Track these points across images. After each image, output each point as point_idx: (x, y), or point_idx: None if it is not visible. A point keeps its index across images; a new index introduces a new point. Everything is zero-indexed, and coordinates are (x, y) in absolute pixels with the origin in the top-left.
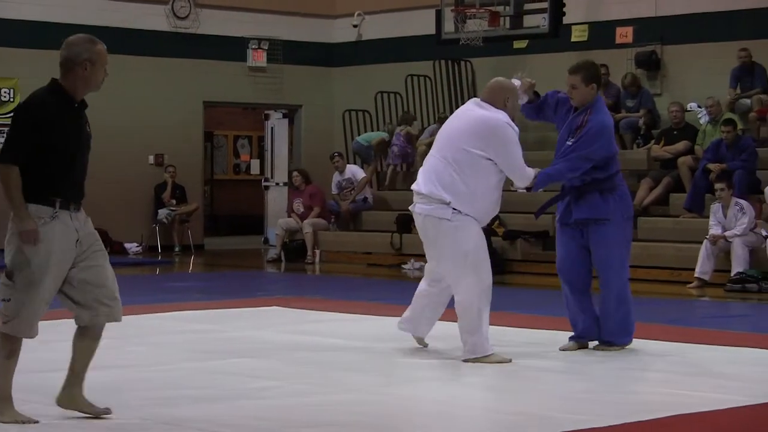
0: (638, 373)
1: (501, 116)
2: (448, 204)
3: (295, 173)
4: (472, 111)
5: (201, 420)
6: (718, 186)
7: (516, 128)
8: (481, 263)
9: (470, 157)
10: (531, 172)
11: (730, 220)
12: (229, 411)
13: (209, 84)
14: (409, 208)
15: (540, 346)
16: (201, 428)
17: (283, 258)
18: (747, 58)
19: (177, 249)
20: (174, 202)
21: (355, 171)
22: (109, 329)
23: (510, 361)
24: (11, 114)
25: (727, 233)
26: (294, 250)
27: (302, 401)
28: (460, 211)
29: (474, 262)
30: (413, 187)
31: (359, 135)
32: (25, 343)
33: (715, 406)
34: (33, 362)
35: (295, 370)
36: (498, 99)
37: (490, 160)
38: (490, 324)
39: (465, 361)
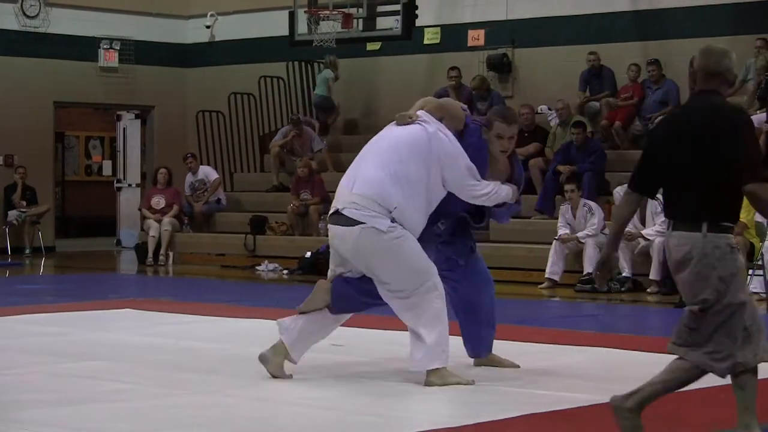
0: (489, 373)
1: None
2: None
3: (163, 170)
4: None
5: (53, 424)
6: (567, 187)
7: None
8: None
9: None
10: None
11: (579, 221)
12: (82, 414)
13: (60, 84)
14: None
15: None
16: None
17: (152, 261)
18: (596, 61)
19: (27, 251)
20: (24, 203)
21: (208, 172)
22: None
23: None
24: None
25: (578, 234)
26: (144, 251)
27: (155, 404)
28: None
29: None
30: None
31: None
32: None
33: (566, 405)
34: None
35: (148, 373)
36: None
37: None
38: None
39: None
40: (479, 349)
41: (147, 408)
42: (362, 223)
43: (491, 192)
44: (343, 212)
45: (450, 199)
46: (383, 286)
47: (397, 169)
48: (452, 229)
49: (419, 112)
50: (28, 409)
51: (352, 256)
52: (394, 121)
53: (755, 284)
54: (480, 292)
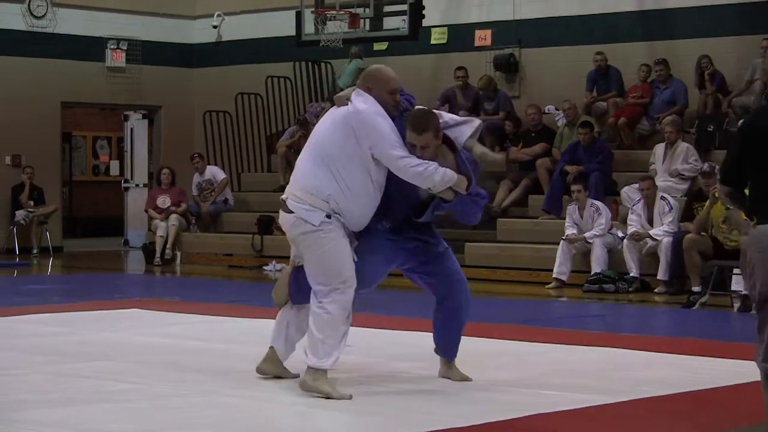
0: (495, 373)
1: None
2: None
3: (165, 170)
4: None
5: (58, 424)
6: (574, 188)
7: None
8: None
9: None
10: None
11: (586, 221)
12: (87, 414)
13: (67, 84)
14: None
15: (403, 347)
16: None
17: (160, 260)
18: (603, 61)
19: (35, 251)
20: (32, 203)
21: (215, 172)
22: None
23: (350, 397)
24: None
25: (586, 234)
26: (152, 252)
27: (161, 404)
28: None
29: None
30: None
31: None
32: None
33: (572, 405)
34: None
35: (154, 373)
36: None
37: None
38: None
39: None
40: (451, 352)
41: (152, 408)
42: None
43: (425, 169)
44: (286, 202)
45: (391, 197)
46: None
47: (327, 153)
48: (399, 226)
49: (351, 90)
50: (33, 409)
51: (292, 243)
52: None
53: None
54: (454, 293)
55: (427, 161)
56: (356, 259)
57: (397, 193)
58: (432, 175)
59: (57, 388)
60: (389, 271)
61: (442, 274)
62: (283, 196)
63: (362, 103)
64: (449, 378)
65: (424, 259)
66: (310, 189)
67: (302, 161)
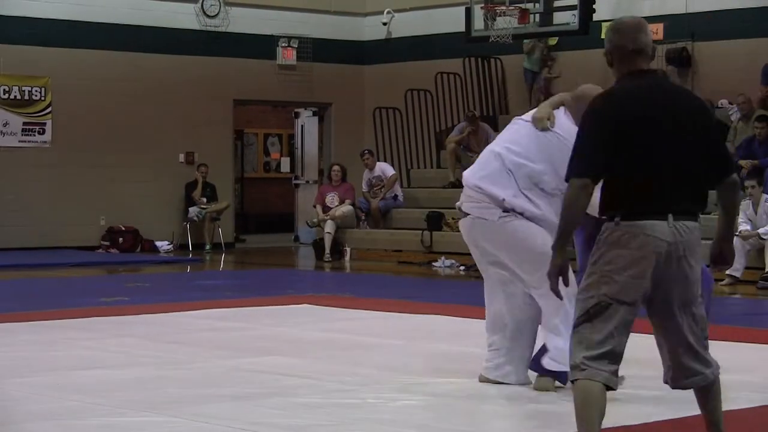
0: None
1: None
2: None
3: (336, 167)
4: None
5: (232, 418)
6: (748, 183)
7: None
8: None
9: None
10: None
11: (760, 217)
12: (258, 409)
13: (239, 82)
14: None
15: None
16: (233, 426)
17: (329, 257)
18: None
19: (208, 247)
20: (204, 200)
21: (384, 168)
22: (137, 327)
23: None
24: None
25: (760, 230)
26: (322, 248)
27: (332, 399)
28: None
29: None
30: None
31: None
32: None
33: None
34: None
35: (325, 368)
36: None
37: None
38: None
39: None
40: None
41: (326, 404)
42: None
43: None
44: (461, 207)
45: None
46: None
47: (517, 162)
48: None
49: (556, 112)
50: (209, 403)
51: (480, 245)
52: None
53: None
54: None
55: None
56: None
57: None
58: None
59: (231, 382)
60: None
61: None
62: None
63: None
64: None
65: None
66: (488, 190)
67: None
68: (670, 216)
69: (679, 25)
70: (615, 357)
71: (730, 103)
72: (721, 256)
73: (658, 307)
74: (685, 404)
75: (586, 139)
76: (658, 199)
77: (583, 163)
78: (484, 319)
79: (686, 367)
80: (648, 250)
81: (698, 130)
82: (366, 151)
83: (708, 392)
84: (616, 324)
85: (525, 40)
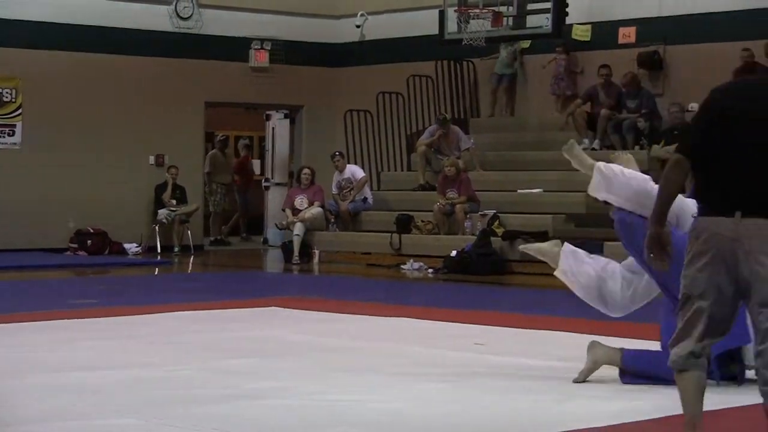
0: None
1: None
2: None
3: (305, 170)
4: None
5: (200, 420)
6: None
7: None
8: None
9: None
10: None
11: None
12: (230, 412)
13: (211, 84)
14: None
15: (539, 346)
16: (201, 429)
17: (298, 259)
18: (749, 58)
19: (176, 249)
20: (174, 202)
21: (354, 171)
22: (107, 330)
23: None
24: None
25: None
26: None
27: (301, 402)
28: None
29: None
30: None
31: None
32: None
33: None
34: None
35: (294, 371)
36: None
37: None
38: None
39: None
40: None
41: (294, 406)
42: None
43: None
44: None
45: None
46: None
47: None
48: None
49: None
50: (177, 405)
51: None
52: None
53: None
54: None
55: None
56: None
57: None
58: None
59: (202, 385)
60: None
61: None
62: None
63: None
64: None
65: None
66: None
67: None
68: (738, 213)
69: (651, 28)
70: None
71: None
72: None
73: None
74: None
75: (695, 121)
76: (726, 196)
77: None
78: (453, 321)
79: None
80: (712, 244)
81: None
82: (337, 153)
83: None
84: (689, 316)
85: (501, 44)
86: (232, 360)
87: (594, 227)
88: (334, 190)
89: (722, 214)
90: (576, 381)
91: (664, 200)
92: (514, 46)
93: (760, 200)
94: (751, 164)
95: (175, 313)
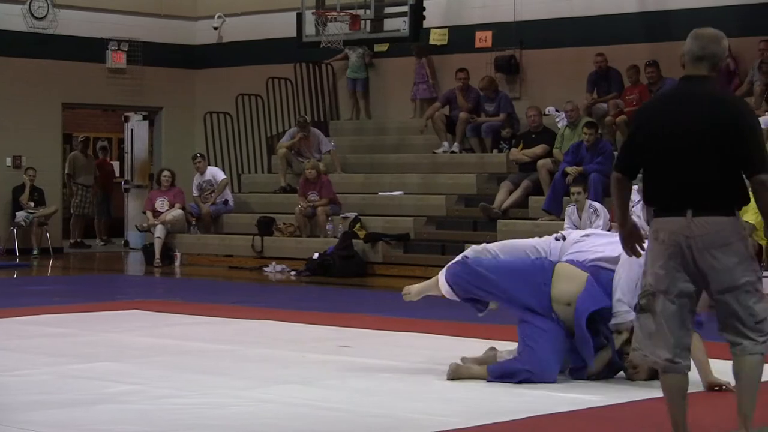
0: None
1: None
2: None
3: (166, 172)
4: None
5: (60, 425)
6: (574, 189)
7: None
8: None
9: None
10: None
11: (584, 222)
12: (89, 416)
13: (68, 85)
14: None
15: (403, 349)
16: None
17: (159, 262)
18: (603, 63)
19: (35, 252)
20: (32, 204)
21: (215, 173)
22: None
23: None
24: None
25: None
26: (152, 253)
27: (162, 405)
28: None
29: None
30: None
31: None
32: None
33: (580, 406)
34: None
35: (155, 374)
36: None
37: None
38: (351, 327)
39: None
40: None
41: (155, 410)
42: None
43: None
44: None
45: None
46: None
47: None
48: None
49: None
50: (35, 410)
51: None
52: None
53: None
54: None
55: None
56: None
57: None
58: None
59: (60, 389)
60: None
61: None
62: None
63: None
64: None
65: None
66: None
67: None
68: (689, 212)
69: (507, 33)
70: None
71: (557, 111)
72: None
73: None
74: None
75: (625, 140)
76: (675, 197)
77: (619, 160)
78: (317, 324)
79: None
80: (670, 242)
81: (719, 135)
82: (198, 155)
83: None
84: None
85: (348, 48)
86: (92, 363)
87: (454, 230)
88: (195, 193)
89: (675, 214)
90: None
91: (622, 208)
92: (362, 51)
93: (707, 199)
94: (692, 168)
95: (34, 316)
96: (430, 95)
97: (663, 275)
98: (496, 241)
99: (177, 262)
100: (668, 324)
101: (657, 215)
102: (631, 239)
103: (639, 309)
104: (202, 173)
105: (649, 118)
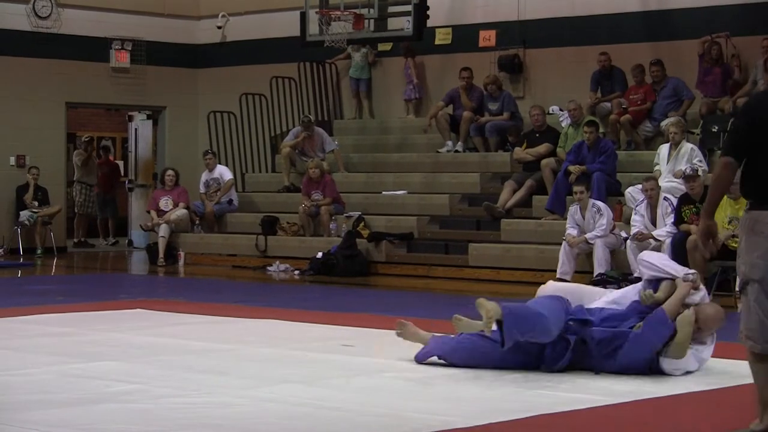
0: (498, 375)
1: None
2: None
3: (169, 171)
4: None
5: (63, 425)
6: (576, 189)
7: None
8: None
9: None
10: None
11: (587, 222)
12: (92, 415)
13: (72, 85)
14: None
15: (406, 348)
16: None
17: (163, 261)
18: (606, 62)
19: (39, 251)
20: (36, 204)
21: (223, 172)
22: None
23: None
24: None
25: (587, 235)
26: (155, 253)
27: (166, 404)
28: None
29: None
30: None
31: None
32: None
33: (575, 407)
34: None
35: (158, 373)
36: None
37: None
38: (354, 326)
39: None
40: None
41: (157, 409)
42: None
43: None
44: None
45: None
46: None
47: None
48: None
49: None
50: (38, 409)
51: None
52: None
53: None
54: None
55: None
56: None
57: None
58: None
59: (62, 388)
60: None
61: None
62: None
63: None
64: None
65: None
66: None
67: None
68: None
69: (510, 32)
70: None
71: (561, 110)
72: None
73: None
74: None
75: (732, 129)
76: None
77: (730, 145)
78: (320, 323)
79: None
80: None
81: None
82: (209, 152)
83: None
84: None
85: (351, 47)
86: (95, 363)
87: (458, 229)
88: (202, 189)
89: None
90: None
91: (715, 197)
92: (365, 50)
93: None
94: None
95: (37, 315)
96: (415, 96)
97: (762, 265)
98: (499, 240)
99: (180, 262)
100: (761, 311)
101: (753, 208)
102: (709, 234)
103: (740, 292)
104: (211, 170)
105: (756, 109)
